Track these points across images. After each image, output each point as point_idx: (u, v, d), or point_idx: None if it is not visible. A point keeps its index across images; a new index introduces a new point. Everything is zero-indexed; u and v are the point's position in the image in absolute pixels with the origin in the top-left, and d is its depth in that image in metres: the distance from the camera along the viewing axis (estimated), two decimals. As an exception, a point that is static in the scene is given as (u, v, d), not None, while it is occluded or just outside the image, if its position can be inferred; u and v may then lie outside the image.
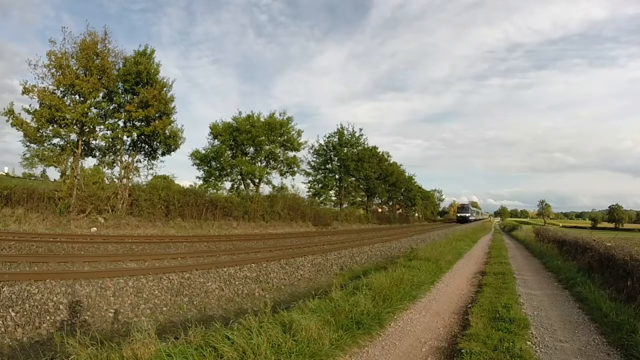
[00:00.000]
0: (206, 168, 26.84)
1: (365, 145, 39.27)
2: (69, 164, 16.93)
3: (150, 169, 19.62)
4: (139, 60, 17.58)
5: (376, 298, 5.43)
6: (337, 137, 37.73)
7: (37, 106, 15.37)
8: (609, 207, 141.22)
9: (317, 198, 35.81)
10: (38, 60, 15.33)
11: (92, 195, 16.19)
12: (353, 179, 38.70)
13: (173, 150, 19.53)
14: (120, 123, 17.83)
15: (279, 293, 8.03)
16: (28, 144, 15.92)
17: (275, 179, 29.45)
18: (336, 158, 37.48)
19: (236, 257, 10.56)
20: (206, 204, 20.98)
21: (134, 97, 17.75)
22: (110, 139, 17.71)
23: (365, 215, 41.28)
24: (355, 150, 37.75)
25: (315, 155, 37.70)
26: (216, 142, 26.67)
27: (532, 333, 4.81)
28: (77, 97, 16.28)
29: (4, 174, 34.89)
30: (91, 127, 16.95)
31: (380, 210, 50.72)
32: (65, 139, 16.46)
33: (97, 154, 18.16)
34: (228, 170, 26.84)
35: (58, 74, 15.49)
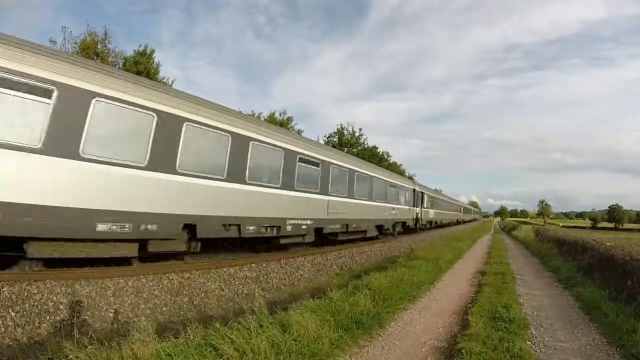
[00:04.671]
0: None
1: (365, 145, 39.29)
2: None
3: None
4: (139, 60, 17.63)
5: (376, 298, 5.44)
6: (337, 137, 37.73)
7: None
8: (609, 207, 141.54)
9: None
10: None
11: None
12: (353, 178, 38.70)
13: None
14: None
15: (278, 293, 8.03)
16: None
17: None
18: (336, 158, 37.51)
19: (236, 257, 10.54)
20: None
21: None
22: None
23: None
24: (355, 150, 37.73)
25: (315, 155, 37.72)
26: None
27: (531, 333, 4.82)
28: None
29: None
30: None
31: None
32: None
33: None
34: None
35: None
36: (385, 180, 16.18)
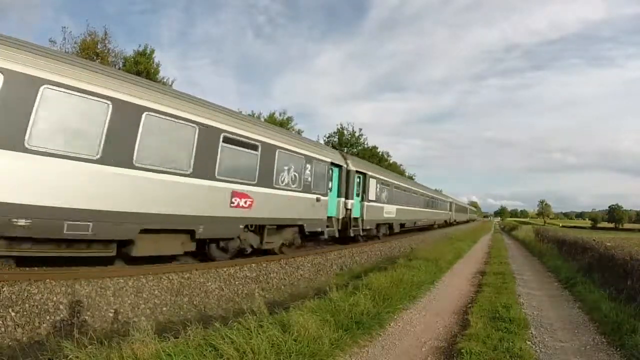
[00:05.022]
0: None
1: (365, 145, 39.30)
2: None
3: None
4: (139, 60, 17.63)
5: (376, 298, 5.44)
6: (337, 137, 37.77)
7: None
8: (609, 207, 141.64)
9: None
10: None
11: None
12: (353, 178, 38.51)
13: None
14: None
15: (278, 293, 8.03)
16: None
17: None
18: (336, 158, 37.38)
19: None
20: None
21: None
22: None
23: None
24: (355, 150, 37.76)
25: (315, 155, 37.60)
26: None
27: (532, 333, 4.82)
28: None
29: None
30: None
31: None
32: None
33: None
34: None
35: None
36: (206, 127, 7.04)
